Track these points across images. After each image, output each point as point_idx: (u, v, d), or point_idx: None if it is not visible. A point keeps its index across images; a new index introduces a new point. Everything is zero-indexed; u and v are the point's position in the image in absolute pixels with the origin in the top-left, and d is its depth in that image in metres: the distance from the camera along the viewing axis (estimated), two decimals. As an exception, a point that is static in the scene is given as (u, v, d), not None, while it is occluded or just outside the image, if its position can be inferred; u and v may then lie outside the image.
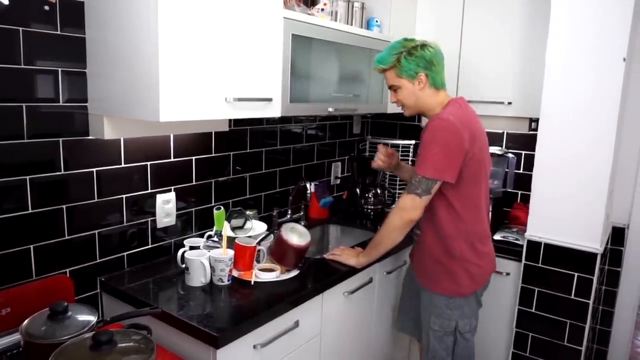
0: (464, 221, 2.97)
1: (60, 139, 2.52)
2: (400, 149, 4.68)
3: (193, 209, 3.28)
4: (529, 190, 3.60)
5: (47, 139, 2.47)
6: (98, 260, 2.79)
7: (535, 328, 3.66)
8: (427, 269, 3.12)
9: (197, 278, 2.73)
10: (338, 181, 4.69)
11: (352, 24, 3.74)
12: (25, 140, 2.38)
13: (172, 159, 3.08)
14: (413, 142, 4.72)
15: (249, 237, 3.04)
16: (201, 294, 2.66)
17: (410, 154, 4.71)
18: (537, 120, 3.62)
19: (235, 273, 2.83)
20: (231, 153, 3.49)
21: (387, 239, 3.07)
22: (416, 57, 2.90)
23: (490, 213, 3.19)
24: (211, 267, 2.74)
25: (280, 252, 2.93)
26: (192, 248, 2.89)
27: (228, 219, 3.11)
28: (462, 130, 2.78)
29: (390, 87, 3.05)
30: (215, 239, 3.06)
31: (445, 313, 3.05)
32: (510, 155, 4.25)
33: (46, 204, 2.51)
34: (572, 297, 3.48)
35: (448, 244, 2.99)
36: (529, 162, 3.80)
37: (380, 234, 3.09)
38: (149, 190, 2.99)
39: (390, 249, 3.15)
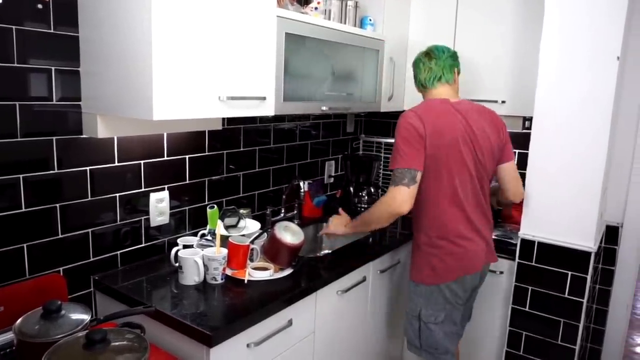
0: (422, 214, 3.12)
1: (54, 138, 2.52)
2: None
3: (186, 208, 3.28)
4: (523, 189, 3.59)
5: (40, 138, 2.47)
6: (91, 259, 2.79)
7: (529, 327, 3.66)
8: (410, 250, 3.32)
9: (191, 277, 2.73)
10: (332, 180, 4.68)
11: (345, 23, 3.73)
12: (19, 139, 2.38)
13: (165, 158, 3.08)
14: (407, 140, 4.71)
15: (243, 235, 3.05)
16: (194, 293, 2.65)
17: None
18: (530, 119, 3.62)
19: (228, 272, 2.83)
20: (225, 152, 3.49)
21: (372, 223, 3.21)
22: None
23: (481, 212, 3.17)
24: (205, 265, 2.74)
25: (274, 251, 2.94)
26: (185, 247, 2.89)
27: (221, 218, 3.10)
28: (418, 123, 2.97)
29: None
30: (209, 237, 3.06)
31: (412, 297, 3.27)
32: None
33: (39, 202, 2.51)
34: (566, 295, 3.48)
35: (414, 232, 3.20)
36: (523, 161, 3.80)
37: (368, 216, 3.22)
38: (143, 189, 2.99)
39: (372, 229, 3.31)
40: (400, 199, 2.92)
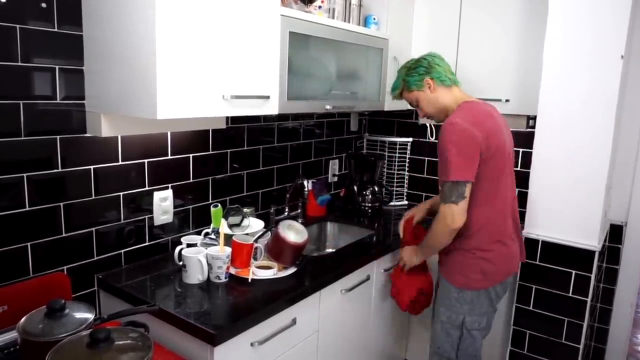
0: (474, 219, 2.98)
1: (58, 137, 2.52)
2: (398, 146, 4.68)
3: (190, 207, 3.28)
4: (527, 188, 3.61)
5: (44, 137, 2.47)
6: (95, 258, 2.79)
7: (533, 326, 3.66)
8: (447, 258, 3.16)
9: (195, 275, 2.73)
10: (335, 179, 4.68)
11: (349, 22, 3.73)
12: (23, 138, 2.38)
13: (169, 157, 3.08)
14: (410, 139, 4.72)
15: (247, 234, 3.05)
16: (198, 292, 2.66)
17: (408, 152, 4.72)
18: (534, 118, 3.62)
19: (232, 270, 2.83)
20: (228, 150, 3.49)
21: (436, 244, 3.12)
22: (415, 69, 3.15)
23: (516, 211, 3.17)
24: (208, 264, 2.74)
25: (278, 250, 2.94)
26: (189, 245, 2.89)
27: (225, 217, 3.10)
28: (473, 129, 2.85)
29: (412, 105, 3.30)
30: (213, 236, 3.06)
31: (454, 305, 3.11)
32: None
33: (43, 201, 2.51)
34: (570, 294, 3.48)
35: (458, 239, 3.02)
36: (527, 160, 3.81)
37: (430, 239, 3.13)
38: (146, 188, 2.99)
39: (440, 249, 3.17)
40: (451, 217, 2.88)
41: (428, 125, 4.67)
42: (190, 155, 3.22)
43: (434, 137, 4.63)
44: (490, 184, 2.95)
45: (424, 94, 3.13)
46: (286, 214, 3.99)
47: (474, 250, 3.03)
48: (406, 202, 4.74)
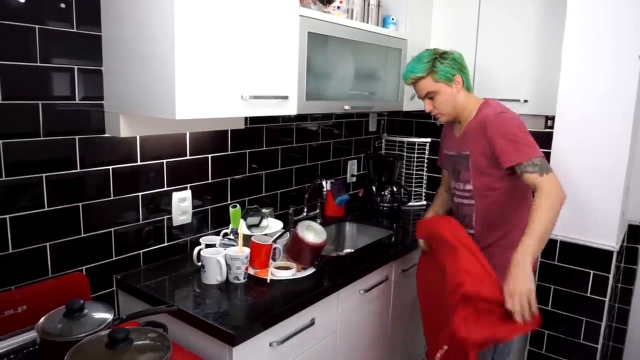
0: (519, 212, 2.96)
1: (77, 137, 2.53)
2: (416, 146, 4.67)
3: (209, 207, 3.28)
4: (545, 188, 3.58)
5: (63, 137, 2.47)
6: (114, 258, 2.79)
7: (551, 326, 3.65)
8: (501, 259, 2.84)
9: (213, 276, 2.73)
10: (354, 179, 4.67)
11: (368, 22, 3.72)
12: (42, 138, 2.39)
13: (188, 157, 3.08)
14: (429, 139, 4.70)
15: (265, 235, 3.04)
16: (217, 292, 2.65)
17: (427, 152, 4.71)
18: (553, 118, 3.61)
19: (251, 271, 2.83)
20: (247, 151, 3.48)
21: (551, 225, 2.60)
22: (448, 59, 2.97)
23: None
24: (227, 265, 2.74)
25: (296, 250, 2.93)
26: (208, 246, 2.89)
27: (244, 217, 3.10)
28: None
29: (425, 96, 3.03)
30: (231, 236, 3.06)
31: None
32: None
33: (62, 201, 2.52)
34: (588, 294, 3.48)
35: (502, 231, 2.95)
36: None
37: (544, 220, 2.57)
38: (165, 188, 2.99)
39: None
40: (558, 186, 2.64)
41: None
42: (209, 156, 3.22)
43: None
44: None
45: (449, 89, 2.97)
46: (305, 214, 3.99)
47: (515, 245, 2.63)
48: (425, 202, 4.73)
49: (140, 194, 2.87)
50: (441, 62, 2.95)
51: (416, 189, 4.72)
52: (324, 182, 3.83)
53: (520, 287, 2.42)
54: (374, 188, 4.44)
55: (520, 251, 2.51)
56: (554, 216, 2.60)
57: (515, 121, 2.81)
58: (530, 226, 2.57)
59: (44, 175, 2.42)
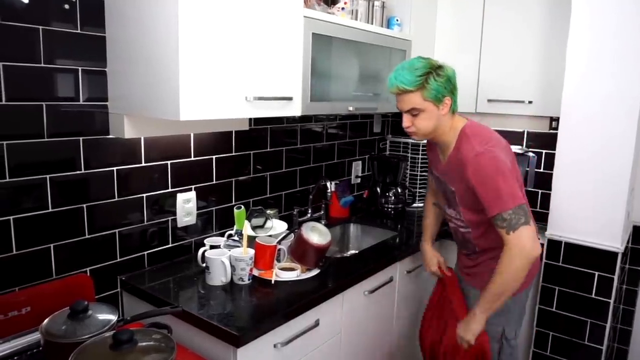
0: None
1: (81, 138, 2.53)
2: (421, 147, 4.66)
3: (213, 208, 3.28)
4: (550, 189, 3.59)
5: (67, 138, 2.48)
6: (118, 260, 2.80)
7: (555, 327, 3.65)
8: (478, 268, 2.99)
9: (218, 277, 2.72)
10: (358, 180, 4.67)
11: (372, 23, 3.72)
12: (46, 139, 2.39)
13: (192, 158, 3.08)
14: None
15: (270, 236, 3.04)
16: (222, 293, 2.65)
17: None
18: (557, 119, 3.61)
19: (255, 272, 2.83)
20: (251, 152, 3.48)
21: (513, 286, 2.66)
22: (443, 78, 2.69)
23: None
24: (232, 266, 2.74)
25: (301, 251, 2.93)
26: (212, 247, 2.89)
27: (248, 218, 3.10)
28: (501, 152, 2.68)
29: (408, 111, 2.76)
30: (236, 238, 3.05)
31: (491, 317, 2.81)
32: (530, 154, 4.24)
33: (66, 203, 2.52)
34: (593, 296, 3.47)
35: (496, 243, 2.77)
36: (550, 161, 3.80)
37: (502, 281, 2.65)
38: (170, 190, 2.99)
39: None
40: (530, 242, 2.55)
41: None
42: (214, 157, 3.22)
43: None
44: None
45: (436, 110, 2.71)
46: (309, 215, 3.99)
47: None
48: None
49: (144, 195, 2.87)
50: (435, 78, 2.67)
51: (420, 190, 4.71)
52: (328, 183, 3.83)
53: (467, 336, 2.83)
54: (378, 189, 4.43)
55: (479, 309, 2.77)
56: (515, 277, 2.62)
57: (493, 163, 2.63)
58: (490, 287, 2.70)
59: (48, 176, 2.42)
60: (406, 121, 2.79)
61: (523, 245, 2.55)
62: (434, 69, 2.68)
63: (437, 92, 2.67)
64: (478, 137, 2.74)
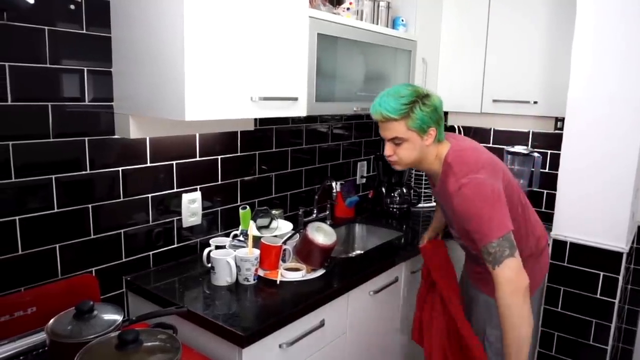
0: (521, 233, 2.77)
1: (86, 138, 2.53)
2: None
3: (219, 209, 3.28)
4: (555, 190, 3.59)
5: (72, 138, 2.48)
6: (124, 260, 2.80)
7: (561, 327, 3.65)
8: (487, 273, 2.69)
9: (223, 277, 2.72)
10: (364, 180, 4.67)
11: (377, 23, 3.72)
12: (51, 140, 2.39)
13: (197, 158, 3.09)
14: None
15: (275, 236, 3.04)
16: (227, 294, 2.66)
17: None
18: (563, 120, 3.60)
19: (261, 272, 2.83)
20: (257, 152, 3.49)
21: (523, 330, 2.50)
22: (429, 108, 2.57)
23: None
24: (237, 266, 2.74)
25: (306, 252, 2.93)
26: (217, 247, 2.89)
27: (254, 219, 3.10)
28: (488, 179, 2.55)
29: (391, 140, 2.65)
30: (241, 238, 3.05)
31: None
32: (536, 154, 4.24)
33: (72, 203, 2.53)
34: (598, 296, 3.47)
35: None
36: (555, 162, 3.79)
37: (512, 328, 2.50)
38: (175, 190, 3.00)
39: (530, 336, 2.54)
40: (515, 275, 2.44)
41: (457, 127, 4.67)
42: (219, 157, 3.22)
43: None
44: (515, 210, 2.72)
45: (419, 140, 2.61)
46: (314, 215, 3.99)
47: (528, 258, 2.74)
48: (434, 204, 4.70)
49: (150, 195, 2.87)
50: (421, 108, 2.55)
51: (426, 191, 4.70)
52: (333, 184, 3.82)
53: None
54: (383, 189, 4.43)
55: None
56: (520, 314, 2.47)
57: (477, 191, 2.52)
58: (506, 344, 2.54)
59: (53, 176, 2.43)
60: (388, 150, 2.68)
61: (509, 278, 2.44)
62: (420, 98, 2.58)
63: (422, 122, 2.56)
64: (461, 166, 2.62)
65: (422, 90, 2.62)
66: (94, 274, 2.65)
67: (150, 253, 2.93)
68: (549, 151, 4.27)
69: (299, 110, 2.91)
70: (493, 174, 2.60)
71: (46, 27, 2.32)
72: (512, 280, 2.43)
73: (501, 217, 2.49)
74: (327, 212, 4.09)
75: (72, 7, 2.40)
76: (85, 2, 2.45)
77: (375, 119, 2.66)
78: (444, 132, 2.71)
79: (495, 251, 2.45)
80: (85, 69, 2.49)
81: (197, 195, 3.11)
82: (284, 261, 2.96)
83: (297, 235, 3.09)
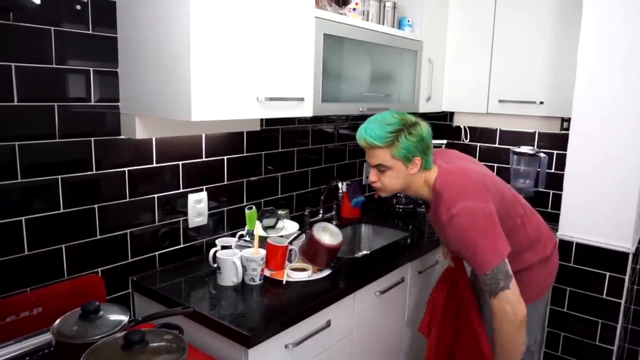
0: (525, 243, 2.81)
1: (92, 139, 2.53)
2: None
3: (225, 209, 3.28)
4: (561, 190, 3.59)
5: (78, 139, 2.48)
6: (130, 260, 2.80)
7: (567, 328, 3.65)
8: None
9: (229, 278, 2.72)
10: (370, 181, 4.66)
11: (383, 24, 3.72)
12: (57, 140, 2.39)
13: (203, 159, 3.08)
14: (445, 141, 4.70)
15: (281, 236, 3.04)
16: (233, 294, 2.65)
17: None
18: (568, 120, 3.61)
19: (267, 273, 2.83)
20: (263, 153, 3.49)
21: (512, 356, 2.65)
22: (415, 137, 2.58)
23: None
24: (243, 266, 2.74)
25: (312, 252, 2.93)
26: (223, 247, 2.88)
27: (260, 219, 3.10)
28: (479, 204, 2.55)
29: (375, 167, 2.69)
30: (247, 238, 3.06)
31: None
32: (542, 154, 4.24)
33: (78, 203, 2.53)
34: (604, 296, 3.47)
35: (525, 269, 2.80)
36: (561, 162, 3.79)
37: (504, 351, 2.66)
38: (181, 190, 3.00)
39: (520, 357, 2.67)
40: (511, 307, 2.50)
41: (462, 127, 4.67)
42: (225, 157, 3.22)
43: (468, 139, 4.63)
44: (513, 221, 2.74)
45: (404, 169, 2.63)
46: (321, 215, 3.99)
47: (535, 265, 2.83)
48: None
49: (156, 195, 2.87)
50: (406, 137, 2.57)
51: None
52: (339, 184, 3.83)
53: None
54: (389, 190, 4.43)
55: None
56: (512, 342, 2.59)
57: (468, 221, 2.52)
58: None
59: (59, 177, 2.43)
60: (373, 176, 2.72)
61: (504, 310, 2.51)
62: (406, 127, 2.59)
63: (407, 151, 2.58)
64: (450, 193, 2.60)
65: (409, 119, 2.63)
66: (100, 274, 2.65)
67: (156, 253, 2.93)
68: (555, 151, 4.27)
69: (305, 110, 2.91)
70: (483, 195, 2.59)
71: (52, 28, 2.32)
72: (508, 313, 2.51)
73: (494, 246, 2.51)
74: (333, 213, 4.08)
75: (78, 7, 2.40)
76: (92, 2, 2.45)
77: (360, 145, 2.70)
78: (433, 151, 2.71)
79: (490, 283, 2.51)
80: (92, 69, 2.49)
81: (203, 195, 3.11)
82: (290, 261, 2.96)
83: (303, 235, 3.09)
